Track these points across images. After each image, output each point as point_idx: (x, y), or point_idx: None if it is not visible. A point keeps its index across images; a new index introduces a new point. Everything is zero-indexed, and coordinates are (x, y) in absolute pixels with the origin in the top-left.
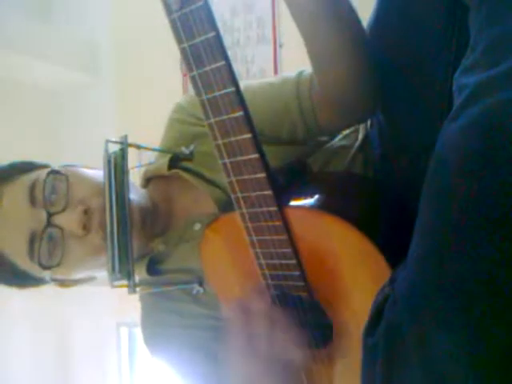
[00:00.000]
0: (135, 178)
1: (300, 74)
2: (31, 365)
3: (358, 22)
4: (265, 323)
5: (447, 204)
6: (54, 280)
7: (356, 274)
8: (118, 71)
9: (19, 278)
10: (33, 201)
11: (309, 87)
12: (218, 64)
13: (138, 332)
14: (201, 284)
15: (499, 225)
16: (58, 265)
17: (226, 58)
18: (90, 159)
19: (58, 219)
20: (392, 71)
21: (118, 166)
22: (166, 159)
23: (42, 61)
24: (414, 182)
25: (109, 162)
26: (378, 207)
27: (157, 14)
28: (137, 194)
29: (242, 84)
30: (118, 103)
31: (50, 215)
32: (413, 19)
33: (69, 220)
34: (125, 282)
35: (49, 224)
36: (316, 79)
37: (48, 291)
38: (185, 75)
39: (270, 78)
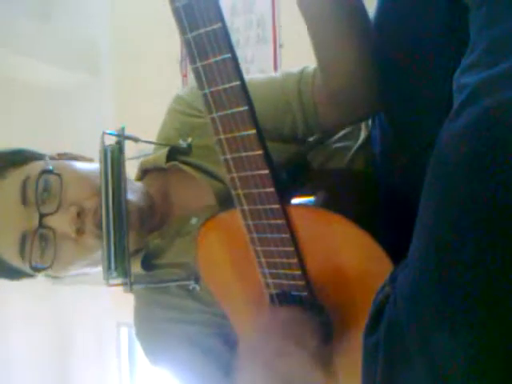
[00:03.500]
0: (132, 170)
1: (303, 69)
2: (31, 365)
3: (365, 11)
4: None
5: (447, 203)
6: (47, 275)
7: (358, 272)
8: (117, 71)
9: (12, 273)
10: (24, 201)
11: (311, 82)
12: (223, 56)
13: None
14: (197, 280)
15: (500, 224)
16: (50, 266)
17: (231, 50)
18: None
19: (51, 220)
20: (392, 70)
21: (114, 160)
22: (164, 151)
23: (42, 61)
24: (415, 181)
25: (105, 155)
26: (380, 206)
27: (157, 14)
28: (134, 192)
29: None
30: (117, 103)
31: (42, 216)
32: (413, 19)
33: (61, 222)
34: (120, 281)
35: (41, 225)
36: (320, 71)
37: (48, 292)
38: (184, 75)
39: (273, 73)
